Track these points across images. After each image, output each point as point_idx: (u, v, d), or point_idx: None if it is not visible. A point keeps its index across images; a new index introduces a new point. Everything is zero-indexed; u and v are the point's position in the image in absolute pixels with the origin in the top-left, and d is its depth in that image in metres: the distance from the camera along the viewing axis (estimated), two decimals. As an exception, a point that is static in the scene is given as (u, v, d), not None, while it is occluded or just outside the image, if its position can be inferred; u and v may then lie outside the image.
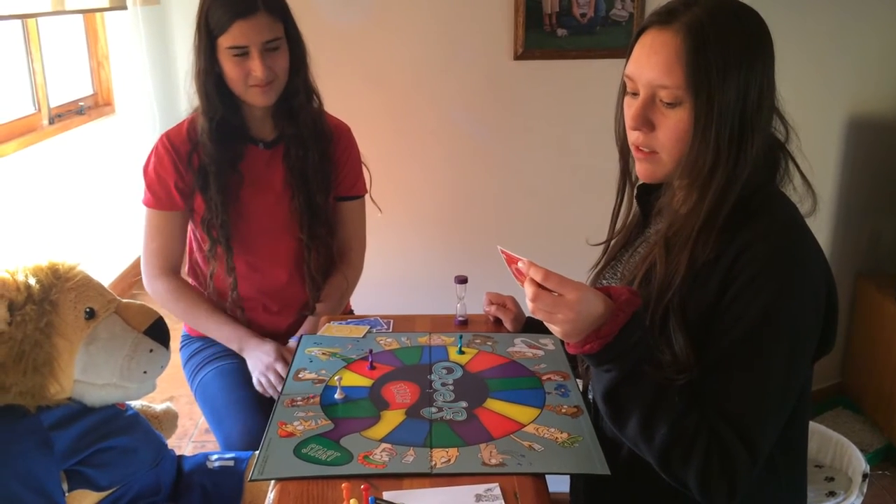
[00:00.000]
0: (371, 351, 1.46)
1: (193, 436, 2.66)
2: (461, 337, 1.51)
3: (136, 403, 1.37)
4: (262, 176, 1.74)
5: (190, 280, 1.84)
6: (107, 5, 3.45)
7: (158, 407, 1.45)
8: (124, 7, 3.61)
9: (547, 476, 1.13)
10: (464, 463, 1.12)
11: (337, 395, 1.31)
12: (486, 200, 2.56)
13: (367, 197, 1.89)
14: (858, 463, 1.82)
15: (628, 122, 1.10)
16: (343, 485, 1.05)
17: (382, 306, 1.81)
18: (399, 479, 1.10)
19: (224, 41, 1.60)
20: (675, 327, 1.05)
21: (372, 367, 1.41)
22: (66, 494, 1.17)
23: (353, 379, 1.38)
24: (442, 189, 2.55)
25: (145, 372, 1.25)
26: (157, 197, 1.72)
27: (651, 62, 1.05)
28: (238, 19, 1.57)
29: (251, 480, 1.12)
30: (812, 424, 1.89)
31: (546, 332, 1.52)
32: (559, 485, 1.27)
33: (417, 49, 2.40)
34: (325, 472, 1.11)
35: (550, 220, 2.55)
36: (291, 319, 1.82)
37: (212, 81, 1.64)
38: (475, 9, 2.36)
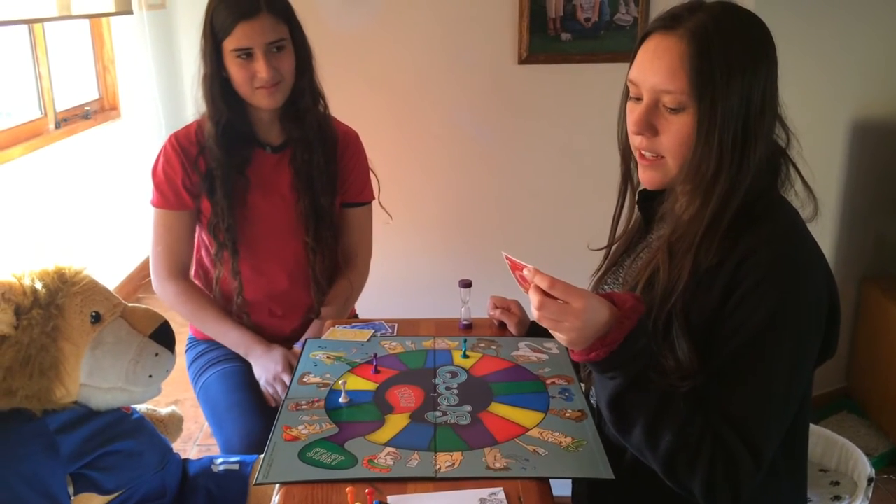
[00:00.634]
0: (375, 355, 1.46)
1: (198, 439, 2.66)
2: (465, 341, 1.51)
3: (141, 407, 1.38)
4: (269, 180, 1.75)
5: (197, 282, 1.84)
6: (113, 10, 3.47)
7: (164, 410, 1.46)
8: (130, 11, 3.62)
9: (551, 480, 1.13)
10: (468, 467, 1.12)
11: (341, 399, 1.31)
12: (490, 204, 2.56)
13: (375, 203, 1.90)
14: (864, 467, 1.81)
15: (631, 126, 1.10)
16: (347, 489, 1.05)
17: (387, 310, 1.81)
18: (403, 483, 1.10)
19: (228, 44, 1.60)
20: (678, 332, 1.05)
21: (376, 371, 1.41)
22: (72, 498, 1.18)
23: (357, 383, 1.38)
24: (446, 193, 2.55)
25: (151, 376, 1.26)
26: (166, 196, 1.72)
27: (655, 67, 1.05)
28: (241, 21, 1.58)
29: (256, 484, 1.12)
30: (817, 428, 1.89)
31: (549, 336, 1.52)
32: (563, 489, 1.27)
33: (422, 54, 2.40)
34: (329, 476, 1.11)
35: (555, 224, 2.54)
36: (296, 323, 1.83)
37: (218, 86, 1.65)
38: (479, 13, 2.36)
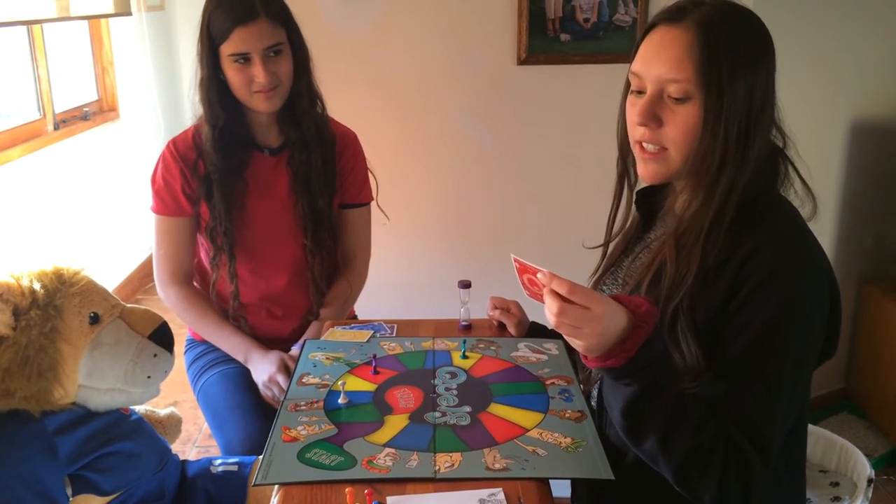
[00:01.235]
0: (375, 355, 1.46)
1: (197, 440, 2.66)
2: (465, 341, 1.51)
3: (139, 408, 1.38)
4: (267, 182, 1.75)
5: (197, 285, 1.84)
6: (112, 11, 3.47)
7: (162, 412, 1.46)
8: (129, 13, 3.62)
9: (550, 481, 1.12)
10: (467, 468, 1.12)
11: (340, 400, 1.31)
12: (489, 204, 2.56)
13: (373, 204, 1.90)
14: (863, 468, 1.81)
15: (635, 118, 1.09)
16: (347, 489, 1.05)
17: (386, 311, 1.81)
18: (403, 483, 1.09)
19: (226, 48, 1.60)
20: (683, 329, 1.05)
21: (375, 372, 1.41)
22: (71, 499, 1.17)
23: (356, 383, 1.38)
24: (445, 193, 2.55)
25: (149, 377, 1.25)
26: (165, 203, 1.72)
27: (661, 57, 1.05)
28: (238, 26, 1.58)
29: (255, 485, 1.12)
30: (816, 429, 1.88)
31: (549, 336, 1.52)
32: (563, 490, 1.27)
33: (421, 54, 2.40)
34: (328, 477, 1.11)
35: (554, 225, 2.54)
36: (295, 324, 1.83)
37: (215, 89, 1.65)
38: (478, 14, 2.36)
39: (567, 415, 1.27)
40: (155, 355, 1.25)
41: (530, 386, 1.37)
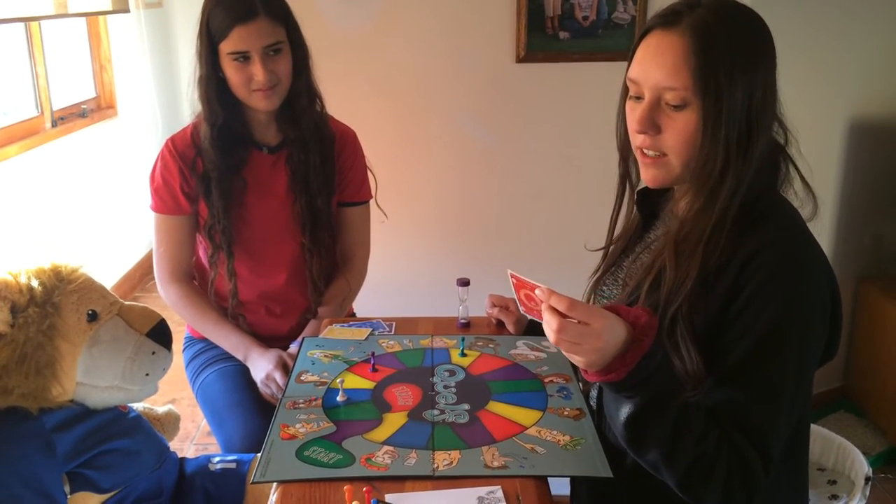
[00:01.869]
0: (373, 353, 1.46)
1: (195, 438, 2.66)
2: (463, 339, 1.51)
3: (138, 406, 1.37)
4: (265, 180, 1.74)
5: (196, 283, 1.84)
6: (109, 8, 3.46)
7: (160, 409, 1.45)
8: (127, 10, 3.62)
9: (549, 479, 1.12)
10: (466, 465, 1.12)
11: (339, 398, 1.31)
12: (488, 202, 2.56)
13: (372, 203, 1.90)
14: (861, 466, 1.81)
15: (633, 125, 1.08)
16: (345, 487, 1.05)
17: (385, 309, 1.81)
18: (401, 481, 1.09)
19: (225, 47, 1.60)
20: (682, 334, 1.04)
21: (374, 370, 1.41)
22: (68, 497, 1.17)
23: (355, 381, 1.38)
24: (444, 191, 2.55)
25: (147, 374, 1.25)
26: (164, 201, 1.72)
27: (657, 64, 1.04)
28: (238, 24, 1.57)
29: (253, 483, 1.12)
30: (815, 427, 1.89)
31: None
32: (561, 488, 1.27)
33: (420, 52, 2.40)
34: (327, 475, 1.11)
35: (552, 223, 2.55)
36: (294, 322, 1.82)
37: (214, 87, 1.64)
38: (477, 12, 2.36)
39: (566, 413, 1.27)
40: (153, 353, 1.25)
41: (529, 384, 1.37)
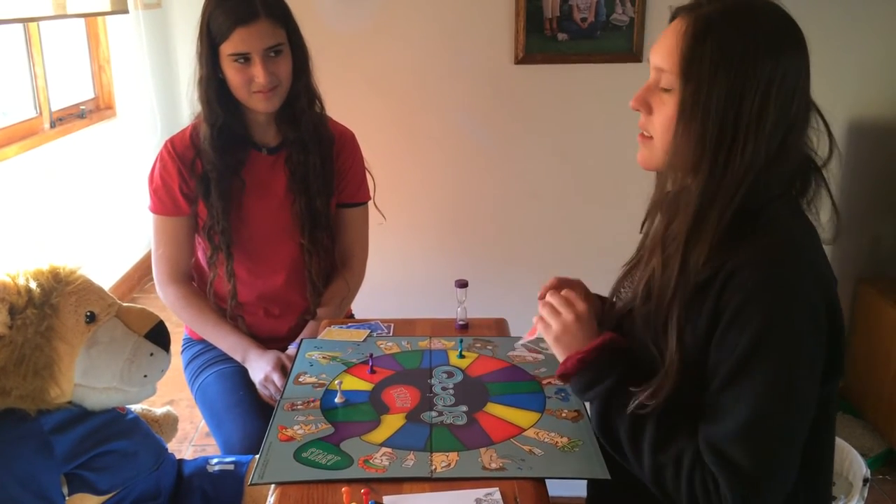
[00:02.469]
0: (371, 355, 1.46)
1: (194, 439, 2.65)
2: (461, 341, 1.51)
3: (136, 407, 1.37)
4: (265, 181, 1.74)
5: (195, 284, 1.84)
6: (108, 9, 3.46)
7: (159, 411, 1.45)
8: (126, 11, 3.61)
9: (547, 480, 1.13)
10: (464, 467, 1.12)
11: (337, 399, 1.31)
12: (486, 204, 2.56)
13: (370, 204, 1.90)
14: (859, 467, 1.81)
15: (631, 101, 1.11)
16: (343, 489, 1.05)
17: (383, 310, 1.81)
18: (399, 483, 1.10)
19: (226, 48, 1.60)
20: (672, 326, 1.02)
21: (372, 371, 1.41)
22: (67, 498, 1.17)
23: (353, 383, 1.38)
24: (442, 193, 2.55)
25: (146, 375, 1.25)
26: (163, 203, 1.72)
27: (659, 45, 1.06)
28: (239, 26, 1.57)
29: (251, 484, 1.12)
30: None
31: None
32: (558, 489, 1.26)
33: (418, 53, 2.40)
34: (325, 476, 1.11)
35: (551, 224, 2.54)
36: (292, 323, 1.82)
37: (213, 88, 1.64)
38: (476, 13, 2.36)
39: (563, 414, 1.27)
40: (151, 354, 1.25)
41: (527, 385, 1.37)
